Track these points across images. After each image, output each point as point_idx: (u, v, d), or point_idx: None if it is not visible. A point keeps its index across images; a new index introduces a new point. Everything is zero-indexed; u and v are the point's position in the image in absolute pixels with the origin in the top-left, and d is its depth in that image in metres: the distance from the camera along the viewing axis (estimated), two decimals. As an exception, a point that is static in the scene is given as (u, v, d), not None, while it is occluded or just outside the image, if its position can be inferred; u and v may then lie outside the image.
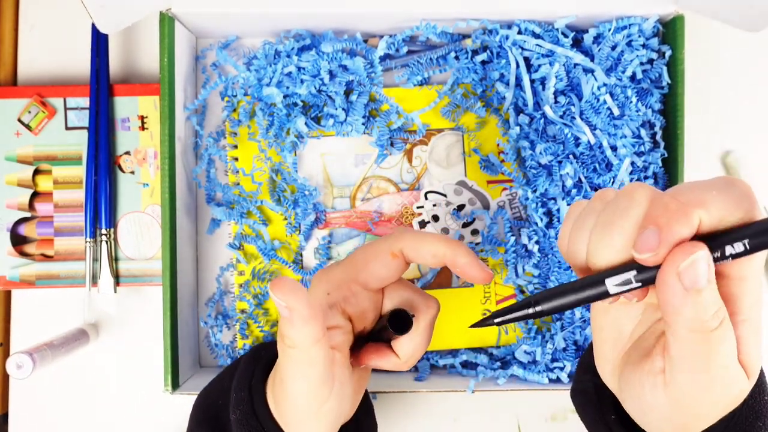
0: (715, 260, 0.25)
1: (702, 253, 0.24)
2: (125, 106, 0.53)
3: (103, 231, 0.51)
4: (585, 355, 0.38)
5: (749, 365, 0.27)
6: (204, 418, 0.38)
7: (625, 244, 0.26)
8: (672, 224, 0.24)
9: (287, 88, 0.50)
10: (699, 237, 0.25)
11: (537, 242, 0.50)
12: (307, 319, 0.30)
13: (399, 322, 0.34)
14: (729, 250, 0.24)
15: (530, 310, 0.28)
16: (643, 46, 0.49)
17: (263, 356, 0.38)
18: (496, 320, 0.29)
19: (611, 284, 0.26)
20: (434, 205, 0.52)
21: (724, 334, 0.25)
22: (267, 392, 0.36)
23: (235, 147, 0.52)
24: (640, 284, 0.26)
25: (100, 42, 0.52)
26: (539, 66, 0.49)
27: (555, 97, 0.49)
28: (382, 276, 0.35)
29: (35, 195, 0.53)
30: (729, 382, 0.27)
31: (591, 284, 0.26)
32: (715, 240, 0.25)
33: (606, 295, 0.26)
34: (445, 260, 0.35)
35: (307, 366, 0.32)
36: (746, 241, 0.24)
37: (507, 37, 0.50)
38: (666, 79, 0.49)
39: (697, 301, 0.24)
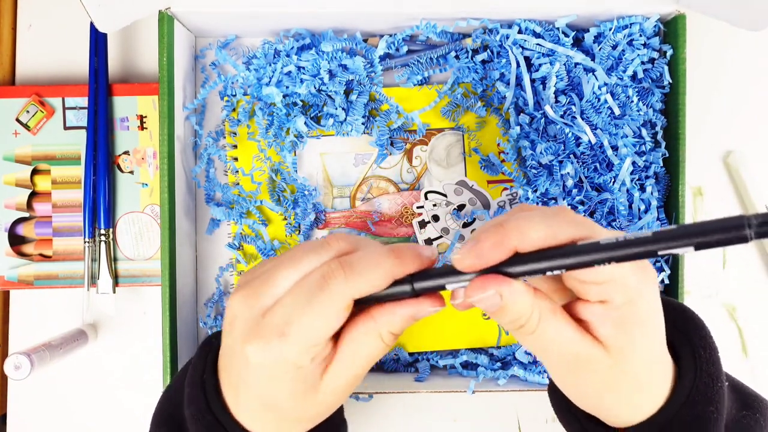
0: (544, 271, 0.28)
1: (489, 293, 0.29)
2: (124, 106, 0.52)
3: (102, 231, 0.51)
4: None
5: (613, 348, 0.30)
6: (162, 419, 0.37)
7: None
8: (485, 241, 0.29)
9: (287, 87, 0.50)
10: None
11: (537, 242, 0.49)
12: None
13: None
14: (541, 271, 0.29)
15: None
16: (644, 45, 0.49)
17: (214, 345, 0.36)
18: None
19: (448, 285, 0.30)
20: (434, 205, 0.52)
21: (537, 332, 0.30)
22: (221, 383, 0.34)
23: (235, 147, 0.52)
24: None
25: (98, 41, 0.52)
26: (540, 65, 0.49)
27: (556, 97, 0.49)
28: (335, 328, 0.31)
29: (33, 195, 0.52)
30: (585, 360, 0.30)
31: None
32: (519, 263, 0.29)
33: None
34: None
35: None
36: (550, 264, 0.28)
37: (507, 37, 0.49)
38: (667, 79, 0.49)
39: (498, 314, 0.29)
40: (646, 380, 0.31)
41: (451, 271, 0.30)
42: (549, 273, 0.28)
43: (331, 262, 0.31)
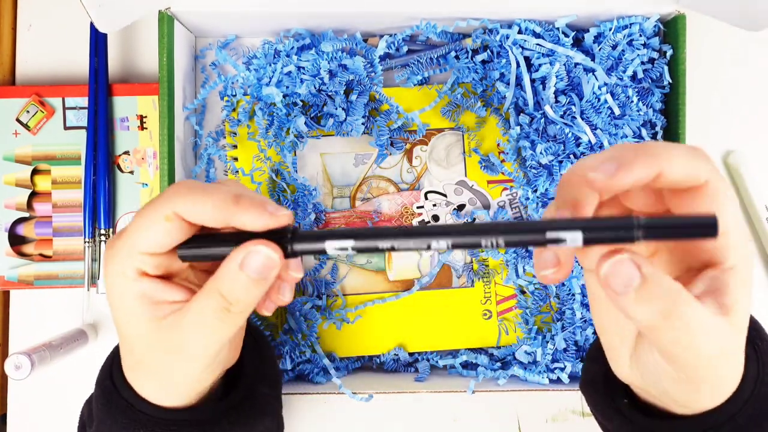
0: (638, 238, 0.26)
1: (624, 261, 0.26)
2: (124, 106, 0.52)
3: (102, 231, 0.51)
4: (592, 347, 0.38)
5: (728, 306, 0.27)
6: (81, 417, 0.38)
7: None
8: (634, 162, 0.26)
9: (287, 87, 0.50)
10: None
11: (537, 242, 0.49)
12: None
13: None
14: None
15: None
16: (644, 45, 0.49)
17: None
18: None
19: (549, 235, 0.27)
20: (434, 205, 0.52)
21: (682, 310, 0.26)
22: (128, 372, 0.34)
23: (235, 147, 0.52)
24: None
25: (98, 41, 0.52)
26: (540, 65, 0.49)
27: (555, 97, 0.49)
28: (163, 243, 0.29)
29: (34, 195, 0.53)
30: (705, 329, 0.27)
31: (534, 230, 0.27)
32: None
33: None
34: (226, 222, 0.29)
35: (231, 327, 0.30)
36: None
37: (507, 37, 0.49)
38: (667, 79, 0.49)
39: (644, 294, 0.26)
40: (739, 349, 0.29)
41: (331, 234, 0.28)
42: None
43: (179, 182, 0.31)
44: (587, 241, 0.26)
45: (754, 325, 0.33)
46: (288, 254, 0.29)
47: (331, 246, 0.28)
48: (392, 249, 0.28)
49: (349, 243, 0.28)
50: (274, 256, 0.28)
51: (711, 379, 0.29)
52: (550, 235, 0.26)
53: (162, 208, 0.29)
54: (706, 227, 0.25)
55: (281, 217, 0.29)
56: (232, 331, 0.30)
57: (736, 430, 0.30)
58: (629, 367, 0.31)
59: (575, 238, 0.26)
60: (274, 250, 0.28)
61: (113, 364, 0.35)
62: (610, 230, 0.26)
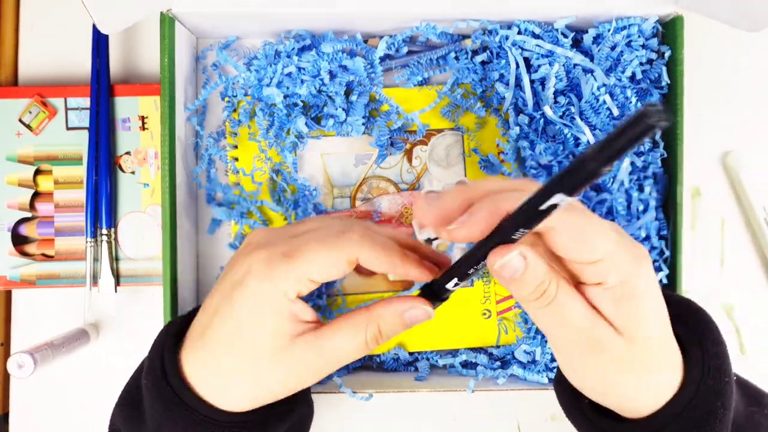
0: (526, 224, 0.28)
1: (512, 254, 0.29)
2: (126, 107, 0.53)
3: (104, 231, 0.52)
4: None
5: (621, 326, 0.30)
6: (123, 399, 0.37)
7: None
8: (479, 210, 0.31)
9: (287, 88, 0.50)
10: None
11: (537, 242, 0.50)
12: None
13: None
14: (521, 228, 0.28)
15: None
16: (643, 46, 0.49)
17: (180, 319, 0.37)
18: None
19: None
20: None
21: (557, 299, 0.30)
22: (183, 356, 0.34)
23: (236, 147, 0.52)
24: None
25: (100, 42, 0.52)
26: (539, 66, 0.49)
27: (555, 98, 0.49)
28: (332, 277, 0.33)
29: (36, 195, 0.53)
30: (600, 342, 0.31)
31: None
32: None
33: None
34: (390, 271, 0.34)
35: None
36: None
37: (507, 38, 0.50)
38: (665, 80, 0.49)
39: (519, 283, 0.30)
40: (656, 363, 0.31)
41: (461, 263, 0.32)
42: (519, 234, 0.29)
43: (352, 222, 0.34)
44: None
45: (706, 325, 0.34)
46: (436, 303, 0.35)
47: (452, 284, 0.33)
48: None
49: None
50: (431, 313, 0.34)
51: (616, 386, 0.32)
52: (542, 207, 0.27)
53: (348, 251, 0.32)
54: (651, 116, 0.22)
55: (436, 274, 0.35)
56: (357, 357, 0.34)
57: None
58: (566, 374, 0.34)
59: (563, 198, 0.26)
60: (431, 308, 0.34)
61: (164, 370, 0.34)
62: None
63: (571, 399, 0.37)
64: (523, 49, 0.50)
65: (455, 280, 0.33)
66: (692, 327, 0.34)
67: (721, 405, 0.32)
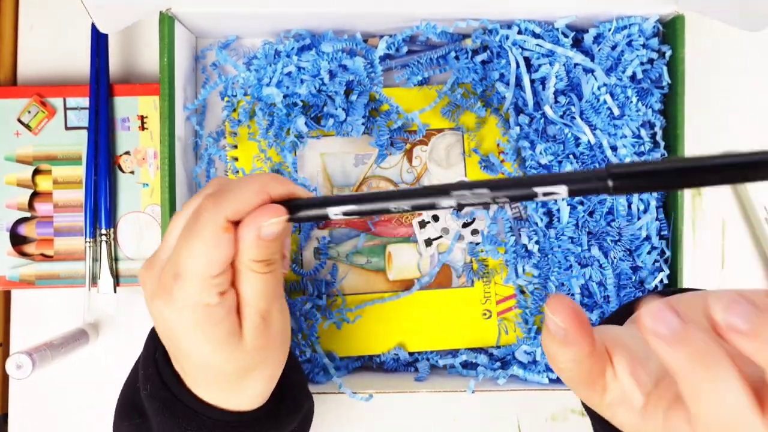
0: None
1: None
2: (125, 106, 0.53)
3: (103, 231, 0.51)
4: None
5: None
6: (123, 409, 0.37)
7: None
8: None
9: (287, 88, 0.50)
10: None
11: (537, 242, 0.50)
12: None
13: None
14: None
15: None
16: (644, 45, 0.49)
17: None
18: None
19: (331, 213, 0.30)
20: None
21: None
22: (185, 378, 0.34)
23: (235, 147, 0.52)
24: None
25: (99, 42, 0.52)
26: (539, 66, 0.49)
27: (555, 97, 0.49)
28: (229, 256, 0.30)
29: (35, 195, 0.53)
30: None
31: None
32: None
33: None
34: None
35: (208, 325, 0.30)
36: None
37: (507, 37, 0.49)
38: (666, 79, 0.49)
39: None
40: None
41: (333, 201, 0.29)
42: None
43: (201, 198, 0.31)
44: (571, 192, 0.27)
45: None
46: (293, 219, 0.31)
47: (332, 212, 0.29)
48: (394, 211, 0.29)
49: (351, 207, 0.29)
50: (283, 220, 0.30)
51: None
52: (537, 189, 0.27)
53: (212, 222, 0.29)
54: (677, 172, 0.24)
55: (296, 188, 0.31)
56: (280, 283, 0.33)
57: None
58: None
59: (561, 190, 0.27)
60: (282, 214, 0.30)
61: (161, 373, 0.34)
62: (586, 181, 0.26)
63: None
64: (523, 48, 0.50)
65: (348, 207, 0.29)
66: None
67: None
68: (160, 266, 0.31)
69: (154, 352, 0.35)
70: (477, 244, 0.51)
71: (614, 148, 0.49)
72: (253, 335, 0.31)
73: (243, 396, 0.34)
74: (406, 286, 0.51)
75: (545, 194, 0.27)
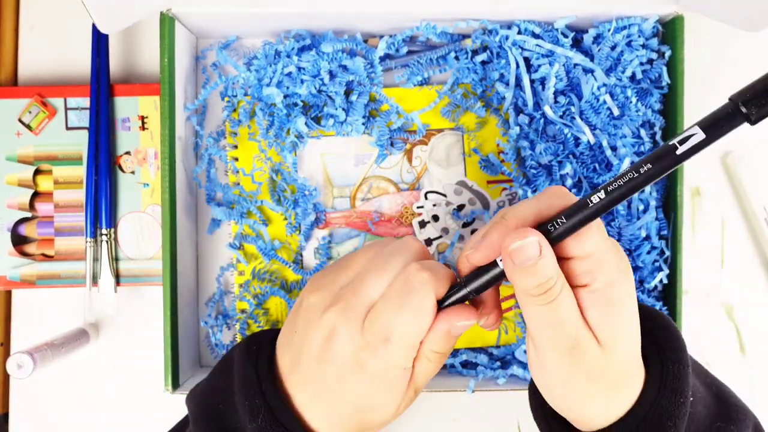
0: (555, 239, 0.30)
1: (529, 240, 0.29)
2: (125, 106, 0.53)
3: (104, 231, 0.52)
4: None
5: (601, 335, 0.31)
6: (203, 418, 0.37)
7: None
8: (490, 228, 0.32)
9: (287, 88, 0.50)
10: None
11: (537, 242, 0.50)
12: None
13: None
14: (554, 229, 0.30)
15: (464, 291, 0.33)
16: (643, 46, 0.49)
17: (258, 351, 0.36)
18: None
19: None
20: (434, 205, 0.52)
21: (557, 300, 0.30)
22: (290, 393, 0.35)
23: (235, 147, 0.52)
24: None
25: (100, 42, 0.52)
26: (539, 66, 0.49)
27: (555, 97, 0.49)
28: (424, 333, 0.34)
29: (36, 195, 0.53)
30: (581, 349, 0.31)
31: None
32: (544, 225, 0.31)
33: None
34: None
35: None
36: (561, 219, 0.30)
37: (507, 37, 0.50)
38: (666, 80, 0.49)
39: (527, 272, 0.30)
40: (623, 378, 0.32)
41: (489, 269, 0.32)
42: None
43: (413, 266, 0.33)
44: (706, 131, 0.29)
45: (671, 343, 0.34)
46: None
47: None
48: None
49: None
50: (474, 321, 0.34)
51: (577, 397, 0.32)
52: (673, 141, 0.29)
53: (424, 302, 0.33)
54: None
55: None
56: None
57: None
58: (535, 374, 0.34)
59: (696, 131, 0.29)
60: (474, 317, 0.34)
61: (272, 407, 0.35)
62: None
63: (537, 405, 0.38)
64: (523, 48, 0.50)
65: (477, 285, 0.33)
66: (659, 342, 0.34)
67: (672, 425, 0.32)
68: (360, 318, 0.33)
69: (259, 383, 0.35)
70: (477, 244, 0.51)
71: (614, 148, 0.49)
72: (406, 403, 0.35)
73: None
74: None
75: (681, 142, 0.28)
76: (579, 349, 0.31)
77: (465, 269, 0.34)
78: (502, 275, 0.32)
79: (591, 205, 0.29)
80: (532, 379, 0.38)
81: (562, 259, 0.31)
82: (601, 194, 0.29)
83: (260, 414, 0.34)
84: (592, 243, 0.30)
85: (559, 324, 0.31)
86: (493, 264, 0.32)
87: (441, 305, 0.33)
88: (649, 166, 0.28)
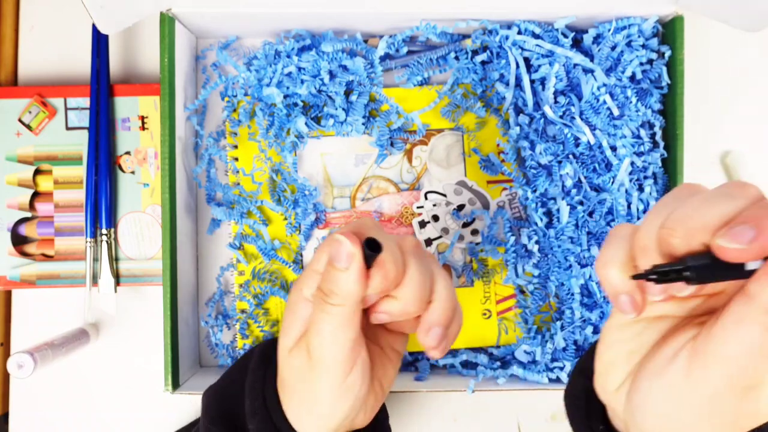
0: None
1: None
2: (125, 106, 0.53)
3: (104, 231, 0.52)
4: (583, 358, 0.38)
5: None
6: (218, 414, 0.38)
7: (713, 225, 0.25)
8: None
9: (287, 88, 0.50)
10: None
11: (537, 242, 0.50)
12: (361, 273, 0.31)
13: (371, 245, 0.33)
14: None
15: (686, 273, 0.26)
16: (643, 46, 0.49)
17: (272, 358, 0.37)
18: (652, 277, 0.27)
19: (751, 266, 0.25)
20: (434, 205, 0.52)
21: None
22: (280, 394, 0.35)
23: (236, 147, 0.52)
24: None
25: (100, 42, 0.52)
26: (539, 66, 0.49)
27: (555, 98, 0.49)
28: (352, 328, 0.33)
29: (36, 195, 0.53)
30: (755, 392, 0.26)
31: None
32: None
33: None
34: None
35: (345, 327, 0.32)
36: None
37: (507, 38, 0.50)
38: (665, 80, 0.49)
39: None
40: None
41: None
42: None
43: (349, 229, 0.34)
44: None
45: None
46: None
47: None
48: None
49: None
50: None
51: None
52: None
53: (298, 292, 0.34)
54: None
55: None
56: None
57: None
58: (617, 389, 0.30)
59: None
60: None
61: (270, 410, 0.36)
62: None
63: (582, 418, 0.35)
64: (523, 49, 0.50)
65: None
66: None
67: None
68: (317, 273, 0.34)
69: (263, 385, 0.36)
70: (477, 244, 0.51)
71: (614, 148, 0.49)
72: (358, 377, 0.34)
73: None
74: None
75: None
76: (755, 392, 0.26)
77: (684, 249, 0.26)
78: (736, 277, 0.25)
79: None
80: (572, 387, 0.36)
81: None
82: None
83: (257, 415, 0.35)
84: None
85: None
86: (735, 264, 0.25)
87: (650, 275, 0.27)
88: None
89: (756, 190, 0.25)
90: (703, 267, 0.25)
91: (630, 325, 0.30)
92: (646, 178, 0.49)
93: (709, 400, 0.26)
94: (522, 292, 0.51)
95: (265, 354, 0.38)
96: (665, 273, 0.26)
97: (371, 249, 0.32)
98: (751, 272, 0.25)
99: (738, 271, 0.25)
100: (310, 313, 0.34)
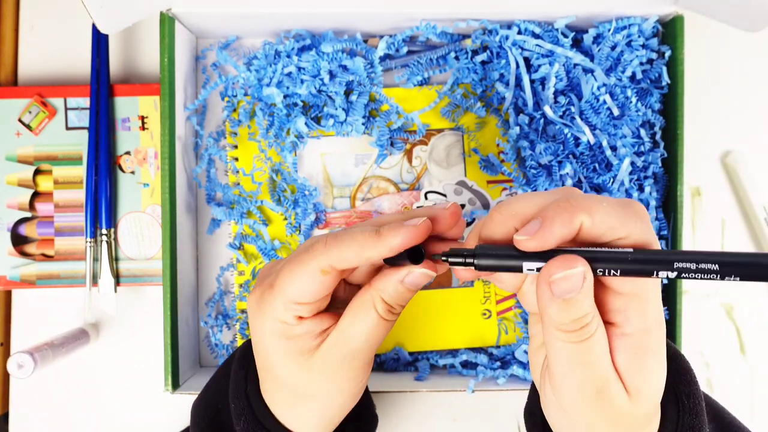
0: (599, 271, 0.27)
1: (577, 271, 0.26)
2: (125, 106, 0.53)
3: (104, 231, 0.52)
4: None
5: (630, 384, 0.28)
6: (207, 424, 0.38)
7: (524, 215, 0.29)
8: (554, 219, 0.27)
9: (287, 88, 0.50)
10: (593, 244, 0.27)
11: (537, 242, 0.50)
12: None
13: (414, 254, 0.32)
14: (609, 269, 0.27)
15: (468, 260, 0.29)
16: (643, 46, 0.49)
17: (252, 357, 0.37)
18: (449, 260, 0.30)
19: (525, 267, 0.28)
20: (434, 205, 0.52)
21: (592, 340, 0.27)
22: (263, 395, 0.35)
23: (235, 147, 0.52)
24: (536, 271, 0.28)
25: (100, 42, 0.52)
26: (539, 66, 0.49)
27: (555, 97, 0.49)
28: (318, 292, 0.31)
29: (36, 195, 0.53)
30: (608, 395, 0.28)
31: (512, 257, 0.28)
32: (600, 252, 0.27)
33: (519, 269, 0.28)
34: (375, 258, 0.31)
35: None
36: (622, 267, 0.26)
37: (507, 37, 0.50)
38: (666, 79, 0.49)
39: (565, 305, 0.27)
40: (646, 423, 0.30)
41: (512, 253, 0.28)
42: (601, 273, 0.27)
43: (321, 235, 0.32)
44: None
45: (683, 377, 0.32)
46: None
47: (525, 267, 0.28)
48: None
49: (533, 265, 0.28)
50: (430, 273, 0.31)
51: None
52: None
53: (316, 262, 0.31)
54: None
55: (419, 227, 0.30)
56: (388, 330, 0.33)
57: None
58: (548, 409, 0.31)
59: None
60: (426, 269, 0.31)
61: (254, 408, 0.35)
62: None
63: (537, 424, 0.35)
64: (523, 48, 0.50)
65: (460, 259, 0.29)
66: (671, 374, 0.31)
67: None
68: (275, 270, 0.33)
69: (245, 385, 0.36)
70: (477, 244, 0.51)
71: (614, 148, 0.49)
72: (322, 361, 0.32)
73: (323, 420, 0.35)
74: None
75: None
76: (606, 394, 0.28)
77: (477, 239, 0.30)
78: (517, 271, 0.28)
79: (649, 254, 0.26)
80: (529, 408, 0.37)
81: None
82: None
83: (243, 416, 0.35)
84: (639, 282, 0.27)
85: (588, 365, 0.27)
86: (514, 256, 0.28)
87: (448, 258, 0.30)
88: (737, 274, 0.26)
89: (578, 193, 0.28)
90: (488, 256, 0.28)
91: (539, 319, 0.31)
92: (646, 178, 0.49)
93: (578, 416, 0.29)
94: (522, 292, 0.51)
95: (245, 354, 0.37)
96: (456, 256, 0.29)
97: (413, 259, 0.31)
98: (527, 271, 0.28)
99: (517, 269, 0.28)
100: (386, 327, 0.32)
